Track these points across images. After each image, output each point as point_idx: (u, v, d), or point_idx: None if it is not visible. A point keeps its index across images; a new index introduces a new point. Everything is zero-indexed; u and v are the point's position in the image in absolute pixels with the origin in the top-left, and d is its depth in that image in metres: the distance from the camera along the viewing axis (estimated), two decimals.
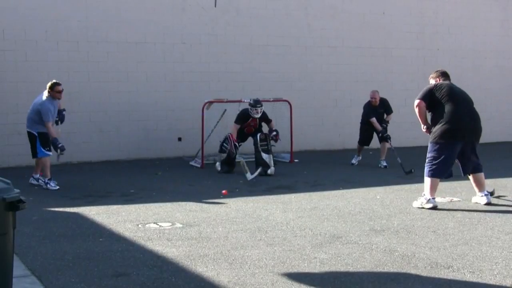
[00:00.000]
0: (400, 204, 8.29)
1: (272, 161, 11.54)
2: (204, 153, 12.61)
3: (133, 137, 13.79)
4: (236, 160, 11.62)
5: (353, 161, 12.68)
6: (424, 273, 5.21)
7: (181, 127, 14.07)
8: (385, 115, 12.54)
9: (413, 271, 5.26)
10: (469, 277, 5.08)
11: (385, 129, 12.31)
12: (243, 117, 11.90)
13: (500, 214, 7.50)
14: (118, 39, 13.55)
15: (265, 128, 12.15)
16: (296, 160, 13.06)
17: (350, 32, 15.58)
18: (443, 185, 9.66)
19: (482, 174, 8.19)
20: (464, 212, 7.68)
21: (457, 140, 7.93)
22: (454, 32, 16.71)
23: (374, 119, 12.27)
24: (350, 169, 12.06)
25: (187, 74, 14.16)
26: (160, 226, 7.13)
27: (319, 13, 15.35)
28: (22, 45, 12.81)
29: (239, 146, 11.92)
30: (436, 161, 7.97)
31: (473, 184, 8.25)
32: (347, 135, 15.17)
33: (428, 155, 8.09)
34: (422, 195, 8.05)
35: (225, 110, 13.03)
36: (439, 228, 6.80)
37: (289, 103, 13.19)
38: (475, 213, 7.54)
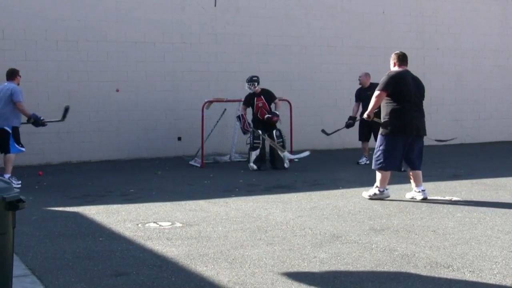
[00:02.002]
0: (400, 203, 8.29)
1: (286, 157, 12.12)
2: (204, 152, 12.61)
3: (133, 136, 13.79)
4: (263, 139, 12.04)
5: (359, 160, 12.57)
6: (424, 272, 5.21)
7: (181, 127, 14.07)
8: None
9: (413, 271, 5.26)
10: (469, 277, 5.08)
11: (352, 118, 12.47)
12: (248, 97, 12.33)
13: (500, 214, 7.50)
14: (118, 38, 13.55)
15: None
16: (296, 160, 13.05)
17: (350, 31, 15.59)
18: (443, 185, 9.69)
19: (420, 173, 8.49)
20: (464, 211, 7.68)
21: (406, 134, 8.29)
22: (453, 32, 16.71)
23: (355, 104, 12.67)
24: (350, 169, 12.05)
25: (186, 73, 14.16)
26: (159, 225, 7.13)
27: (318, 13, 15.35)
28: (21, 45, 12.81)
29: (264, 138, 12.14)
30: (383, 154, 8.37)
31: (411, 180, 8.53)
32: (347, 134, 15.15)
33: (377, 147, 8.50)
34: (375, 186, 8.53)
35: (225, 109, 13.04)
36: (439, 228, 6.80)
37: (288, 102, 13.19)
38: (475, 213, 7.54)
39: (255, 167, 11.97)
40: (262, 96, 12.21)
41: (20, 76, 10.53)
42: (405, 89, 8.33)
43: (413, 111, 8.35)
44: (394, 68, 8.59)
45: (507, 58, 17.43)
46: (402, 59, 8.59)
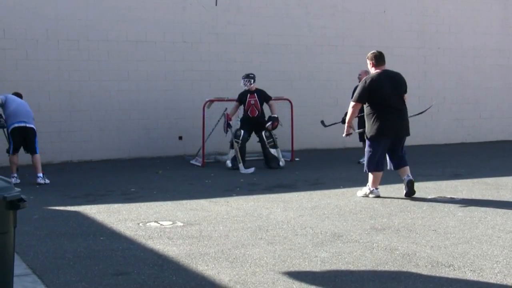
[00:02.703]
0: (401, 202, 8.29)
1: (280, 154, 12.15)
2: (204, 151, 12.61)
3: (134, 135, 13.80)
4: (234, 143, 11.98)
5: (361, 160, 12.44)
6: (424, 271, 5.21)
7: (182, 126, 14.08)
8: None
9: (413, 270, 5.26)
10: (469, 276, 5.08)
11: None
12: (241, 94, 12.36)
13: (501, 213, 7.50)
14: (119, 38, 13.56)
15: (267, 114, 12.43)
16: (296, 159, 13.05)
17: (351, 30, 15.59)
18: (444, 184, 9.68)
19: (407, 168, 8.57)
20: (465, 211, 7.67)
21: (388, 137, 8.42)
22: (454, 31, 16.70)
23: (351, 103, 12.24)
24: (351, 168, 12.03)
25: (187, 72, 14.17)
26: (160, 224, 7.13)
27: (319, 12, 15.35)
28: (22, 44, 12.83)
29: (247, 139, 12.23)
30: (369, 156, 8.54)
31: (401, 176, 8.63)
32: None
33: (365, 150, 8.74)
34: (367, 185, 8.68)
35: (226, 108, 13.02)
36: (440, 227, 6.80)
37: (289, 101, 13.19)
38: (476, 212, 7.54)
39: (230, 164, 12.01)
40: (255, 94, 12.28)
41: None
42: (382, 94, 8.33)
43: (391, 114, 8.36)
44: (372, 70, 8.56)
45: (508, 57, 17.42)
46: (378, 59, 8.50)
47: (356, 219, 7.26)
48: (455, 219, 7.19)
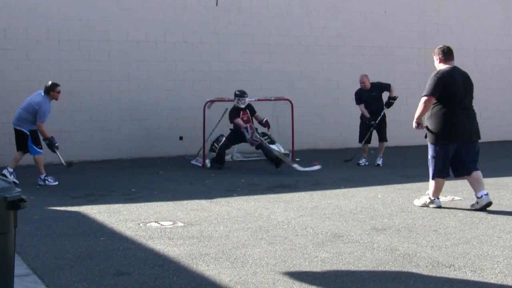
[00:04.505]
0: (402, 203, 8.29)
1: (281, 148, 12.08)
2: (205, 152, 12.61)
3: (135, 136, 13.80)
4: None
5: (360, 161, 12.47)
6: (425, 272, 5.21)
7: (183, 126, 14.08)
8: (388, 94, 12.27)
9: (414, 270, 5.26)
10: (470, 276, 5.08)
11: (373, 118, 12.08)
12: (235, 112, 12.26)
13: (502, 213, 7.49)
14: (120, 38, 13.56)
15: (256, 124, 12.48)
16: (297, 159, 13.04)
17: (352, 31, 15.58)
18: (444, 184, 9.66)
19: (478, 173, 7.71)
20: (466, 211, 7.67)
21: (456, 141, 7.60)
22: (455, 31, 16.69)
23: (362, 106, 12.26)
24: (351, 168, 12.03)
25: (188, 73, 14.17)
26: (161, 225, 7.13)
27: (320, 12, 15.34)
28: (23, 44, 12.82)
29: (228, 147, 12.46)
30: (433, 162, 7.71)
31: (471, 186, 7.83)
32: (349, 134, 15.14)
33: (429, 156, 7.83)
34: (426, 194, 7.94)
35: (226, 109, 13.03)
36: (441, 227, 6.80)
37: (290, 102, 13.18)
38: (477, 212, 7.53)
39: (209, 164, 12.18)
40: (247, 110, 12.32)
41: (57, 93, 10.39)
42: (454, 91, 7.55)
43: (463, 115, 7.62)
44: (440, 66, 7.75)
45: (509, 57, 17.42)
46: (447, 53, 7.73)
47: (357, 220, 7.26)
48: (456, 219, 7.19)
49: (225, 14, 14.44)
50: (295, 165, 11.62)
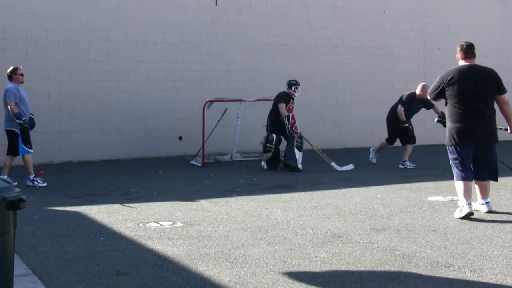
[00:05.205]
0: (401, 203, 8.29)
1: (301, 158, 11.61)
2: (204, 152, 12.61)
3: (134, 136, 13.80)
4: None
5: (373, 160, 12.36)
6: (424, 272, 5.21)
7: (182, 126, 14.08)
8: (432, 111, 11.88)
9: (413, 270, 5.26)
10: (469, 276, 5.08)
11: (406, 122, 11.72)
12: (286, 99, 11.90)
13: (501, 213, 7.50)
14: (119, 38, 13.56)
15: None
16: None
17: (351, 31, 15.59)
18: (444, 184, 9.67)
19: (486, 181, 7.52)
20: None
21: (464, 143, 7.26)
22: (454, 31, 16.69)
23: (402, 109, 11.75)
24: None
25: (187, 73, 14.17)
26: (160, 225, 7.13)
27: (319, 12, 15.35)
28: (22, 44, 12.82)
29: (280, 140, 11.99)
30: (454, 164, 7.39)
31: (477, 190, 7.54)
32: (348, 134, 15.18)
33: (449, 158, 7.49)
34: (458, 202, 7.40)
35: (226, 109, 13.04)
36: (440, 227, 6.80)
37: None
38: (476, 212, 7.53)
39: (265, 166, 11.94)
40: (293, 100, 12.03)
41: (20, 75, 10.15)
42: (459, 91, 7.19)
43: (469, 116, 7.23)
44: (460, 63, 7.44)
45: (508, 57, 17.42)
46: (466, 51, 7.36)
47: (356, 220, 7.26)
48: (455, 220, 7.18)
49: (224, 14, 14.45)
50: (333, 164, 11.66)
